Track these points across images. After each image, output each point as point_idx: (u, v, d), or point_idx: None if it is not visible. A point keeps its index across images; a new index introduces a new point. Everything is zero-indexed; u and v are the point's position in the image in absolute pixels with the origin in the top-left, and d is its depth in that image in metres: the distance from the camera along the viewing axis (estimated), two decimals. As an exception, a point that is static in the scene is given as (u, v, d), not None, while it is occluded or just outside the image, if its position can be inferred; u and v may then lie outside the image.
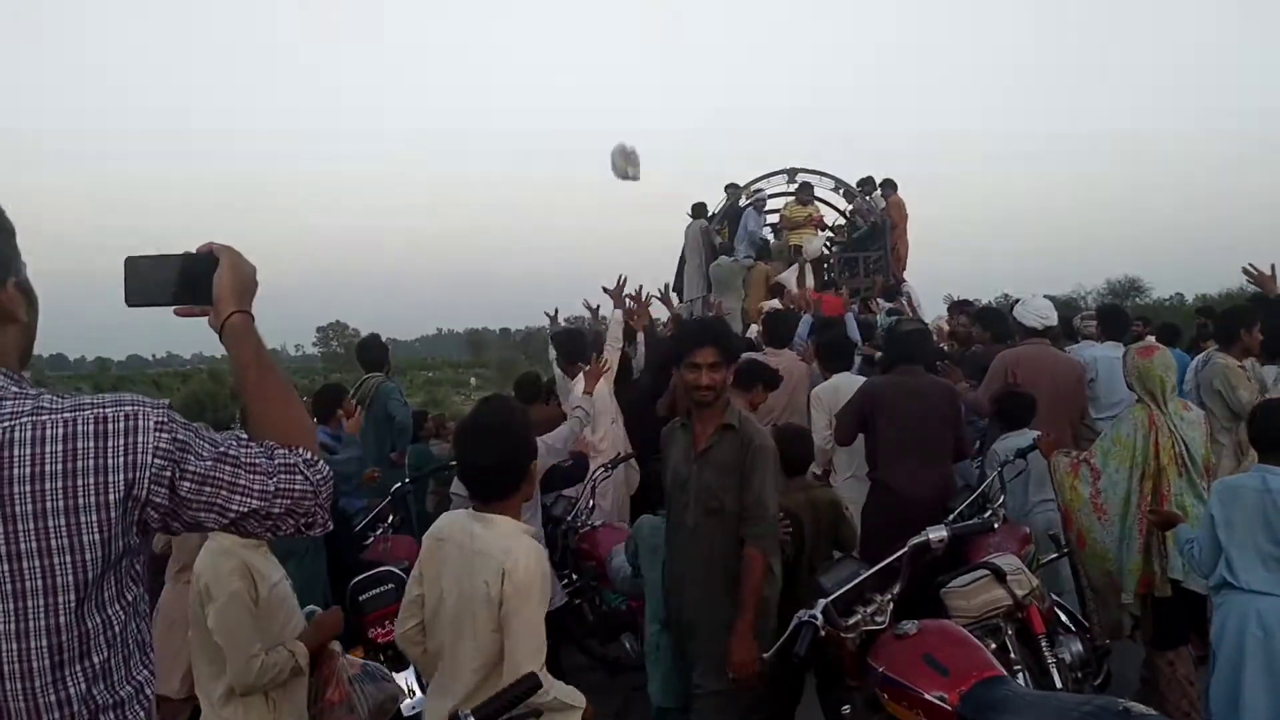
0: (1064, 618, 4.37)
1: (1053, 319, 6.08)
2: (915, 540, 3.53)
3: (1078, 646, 4.12)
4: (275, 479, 1.46)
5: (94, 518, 1.33)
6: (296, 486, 1.49)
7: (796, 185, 13.88)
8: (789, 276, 11.65)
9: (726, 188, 14.29)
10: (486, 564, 2.54)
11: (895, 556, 3.51)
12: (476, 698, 2.44)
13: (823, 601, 3.30)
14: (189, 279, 1.62)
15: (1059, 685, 3.81)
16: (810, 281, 11.66)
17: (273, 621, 2.88)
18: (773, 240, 14.19)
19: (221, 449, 1.44)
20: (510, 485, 2.67)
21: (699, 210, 13.49)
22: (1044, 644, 3.98)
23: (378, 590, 4.37)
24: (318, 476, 1.52)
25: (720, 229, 13.63)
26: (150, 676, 1.47)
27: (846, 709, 3.46)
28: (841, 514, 4.47)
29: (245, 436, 1.51)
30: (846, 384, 5.74)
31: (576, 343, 6.49)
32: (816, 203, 13.89)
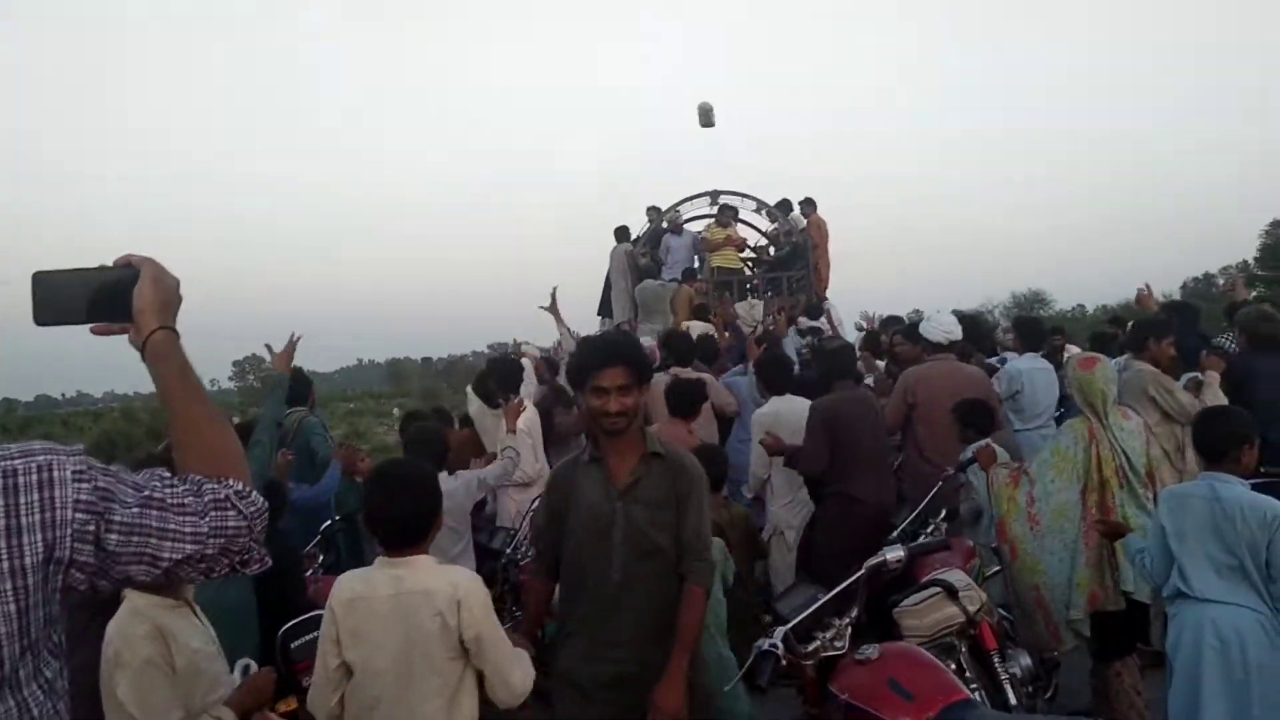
0: (1010, 631, 4.38)
1: (957, 333, 6.19)
2: (872, 561, 3.48)
3: (1027, 660, 4.11)
4: (207, 518, 1.33)
5: (7, 587, 1.17)
6: (230, 524, 1.36)
7: (718, 207, 13.95)
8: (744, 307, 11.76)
9: (648, 210, 14.27)
10: (430, 601, 2.68)
11: (853, 579, 3.44)
12: None
13: (782, 629, 3.22)
14: (106, 294, 1.48)
15: (1013, 702, 3.80)
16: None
17: (194, 690, 2.61)
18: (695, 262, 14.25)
19: (146, 493, 1.30)
20: (424, 532, 2.84)
21: (622, 234, 13.47)
22: (996, 660, 3.97)
23: (310, 636, 4.13)
24: (251, 509, 1.39)
25: (644, 252, 13.60)
26: None
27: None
28: (753, 530, 4.61)
29: (168, 475, 1.36)
30: (787, 408, 5.77)
31: (512, 371, 6.36)
32: (736, 224, 13.97)
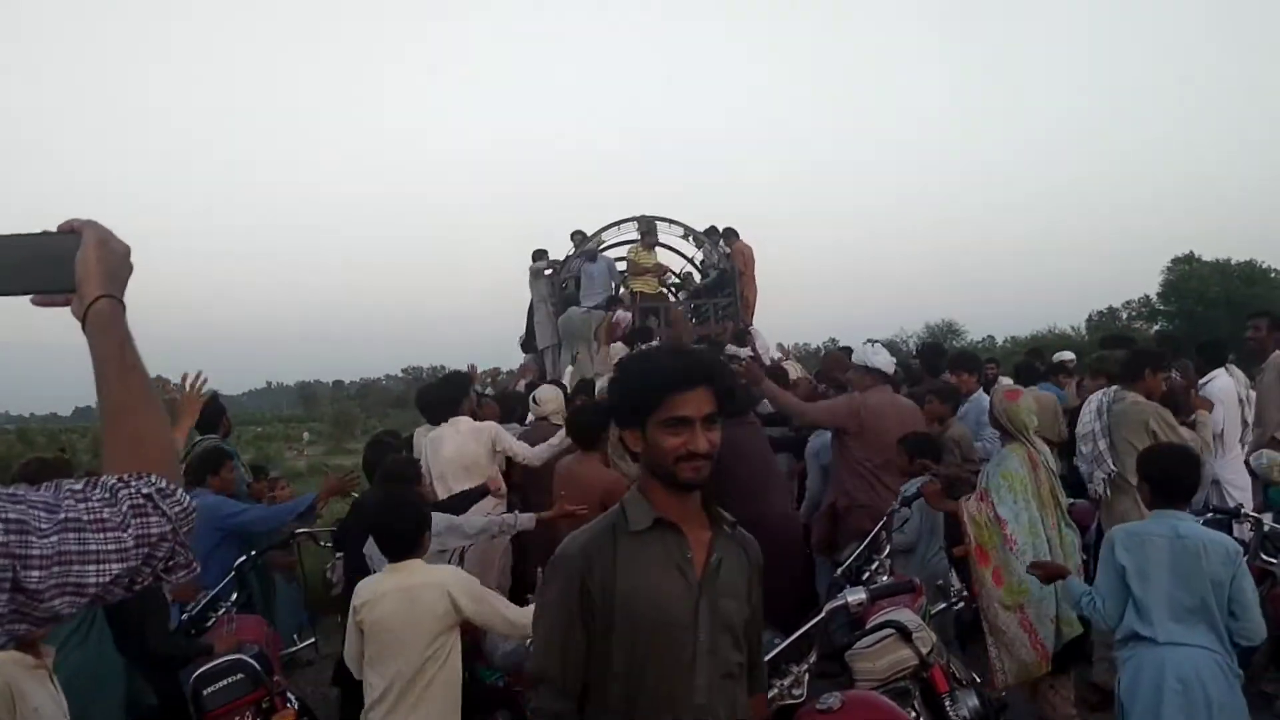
0: (956, 673, 4.30)
1: (889, 364, 6.20)
2: (833, 604, 3.33)
3: (974, 701, 4.01)
4: (129, 530, 1.15)
5: None
6: (153, 530, 1.18)
7: (640, 232, 13.86)
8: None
9: (573, 235, 14.08)
10: (429, 592, 3.53)
11: (811, 623, 3.30)
12: (416, 684, 3.46)
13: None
14: (48, 261, 1.36)
15: (965, 745, 3.71)
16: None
17: None
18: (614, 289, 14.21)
19: (60, 515, 1.11)
20: (415, 544, 3.64)
21: (539, 256, 13.26)
22: (947, 703, 3.88)
23: (226, 682, 3.88)
24: (176, 509, 1.21)
25: (565, 281, 13.44)
26: None
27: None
28: None
29: (77, 487, 1.17)
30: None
31: (457, 387, 6.15)
32: (659, 249, 13.92)
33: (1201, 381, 6.85)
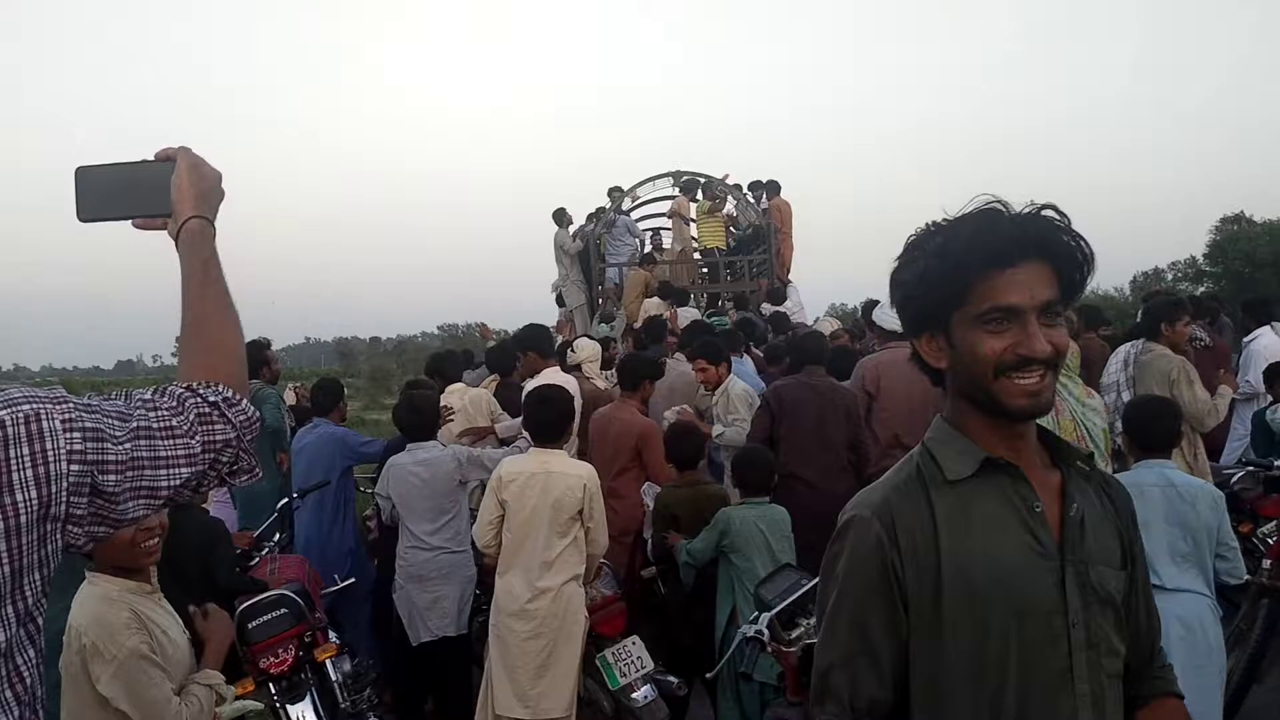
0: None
1: None
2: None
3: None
4: (197, 437, 1.24)
5: (1, 548, 1.05)
6: (218, 437, 1.27)
7: (701, 184, 13.82)
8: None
9: (610, 191, 14.09)
10: (565, 480, 4.09)
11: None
12: (555, 567, 4.06)
13: (767, 615, 3.12)
14: (146, 187, 1.47)
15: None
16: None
17: (174, 675, 2.46)
18: (666, 243, 14.26)
19: (133, 424, 1.19)
20: (560, 434, 4.25)
21: (559, 217, 13.28)
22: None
23: (269, 616, 3.99)
24: (241, 418, 1.31)
25: (602, 234, 13.46)
26: None
27: (788, 728, 3.25)
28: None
29: (147, 396, 1.25)
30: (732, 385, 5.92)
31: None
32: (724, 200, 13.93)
33: (1246, 340, 6.77)
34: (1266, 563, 4.31)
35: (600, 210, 13.89)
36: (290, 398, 8.93)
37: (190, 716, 2.38)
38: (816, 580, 3.25)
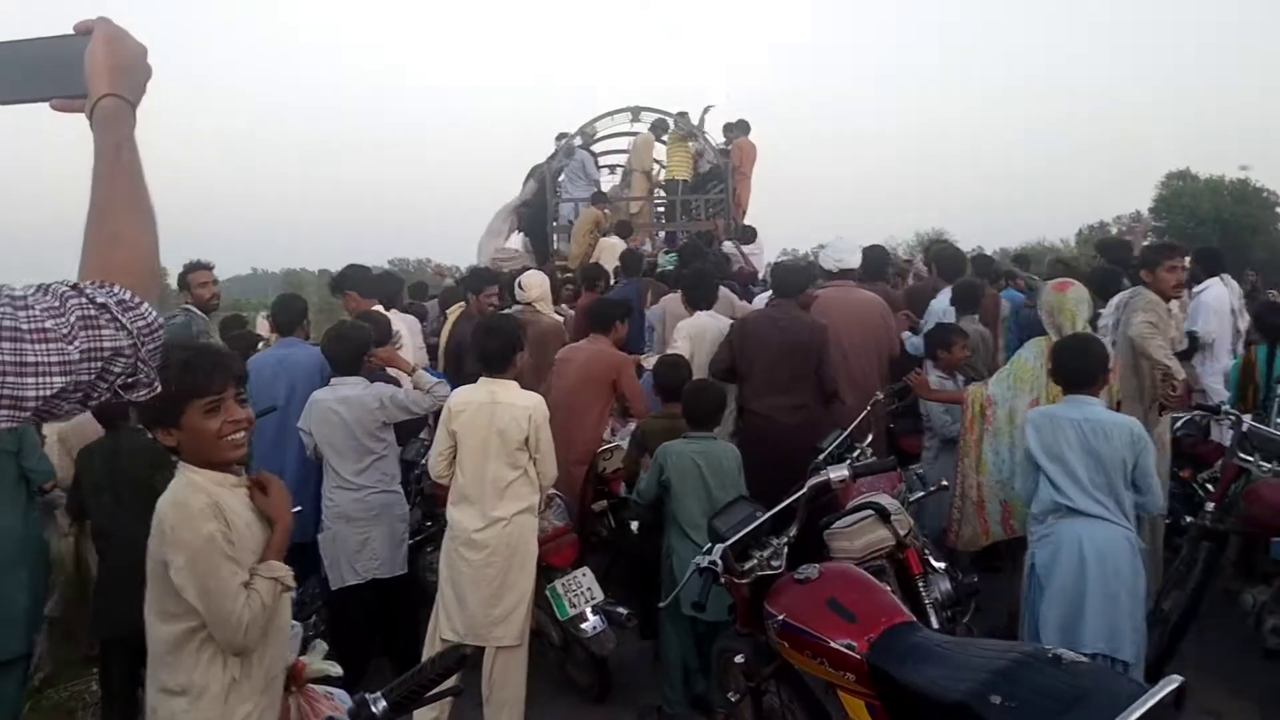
0: (930, 557, 4.39)
1: (849, 262, 6.22)
2: (815, 480, 3.36)
3: (946, 585, 4.13)
4: (76, 342, 1.07)
5: None
6: (105, 343, 1.09)
7: (674, 117, 13.54)
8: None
9: (557, 137, 13.74)
10: (511, 411, 4.05)
11: (794, 498, 3.33)
12: (506, 496, 4.04)
13: (721, 546, 3.10)
14: (61, 64, 1.29)
15: (935, 625, 3.82)
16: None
17: (245, 564, 2.36)
18: (619, 180, 14.02)
19: None
20: (507, 363, 4.15)
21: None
22: (920, 584, 3.97)
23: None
24: (139, 324, 1.12)
25: (563, 164, 13.24)
26: None
27: (739, 658, 3.26)
28: None
29: (17, 293, 1.08)
30: (713, 322, 5.82)
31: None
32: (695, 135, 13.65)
33: (1196, 289, 6.83)
34: (1210, 505, 4.38)
35: (562, 137, 13.60)
36: (264, 327, 8.73)
37: (251, 618, 2.27)
38: (772, 512, 3.29)
